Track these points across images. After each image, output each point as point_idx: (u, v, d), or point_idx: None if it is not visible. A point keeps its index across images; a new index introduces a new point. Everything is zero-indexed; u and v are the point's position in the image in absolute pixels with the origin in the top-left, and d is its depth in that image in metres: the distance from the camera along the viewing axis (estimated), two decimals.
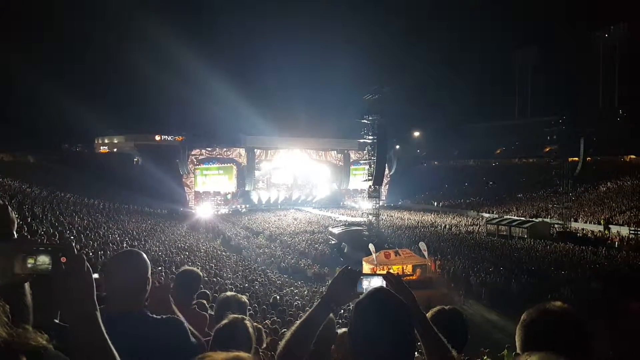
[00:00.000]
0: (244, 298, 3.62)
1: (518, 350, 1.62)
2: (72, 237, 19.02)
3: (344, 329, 2.53)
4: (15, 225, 1.52)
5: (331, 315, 2.52)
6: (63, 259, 1.21)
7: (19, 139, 51.83)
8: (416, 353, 1.71)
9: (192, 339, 2.14)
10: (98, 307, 1.26)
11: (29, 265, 1.19)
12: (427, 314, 2.25)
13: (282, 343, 1.67)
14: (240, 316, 2.37)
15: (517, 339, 1.65)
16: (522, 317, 1.67)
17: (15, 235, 1.52)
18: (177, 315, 2.49)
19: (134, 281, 2.02)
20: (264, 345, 4.63)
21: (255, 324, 4.56)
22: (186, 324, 2.16)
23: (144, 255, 2.13)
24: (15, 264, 1.18)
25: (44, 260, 1.20)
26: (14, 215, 1.51)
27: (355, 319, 1.53)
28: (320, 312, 1.71)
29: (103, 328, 1.23)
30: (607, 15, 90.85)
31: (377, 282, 1.75)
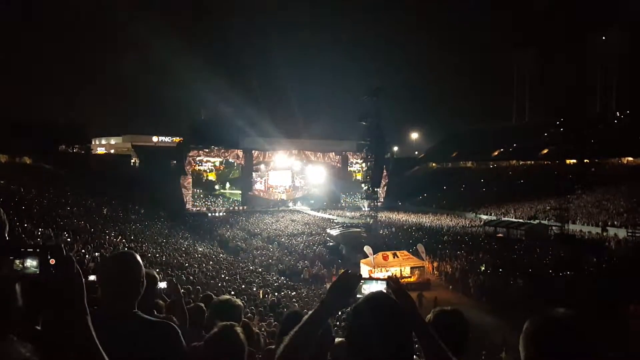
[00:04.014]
0: (238, 302, 3.55)
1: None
2: (68, 239, 18.93)
3: (340, 339, 2.48)
4: (7, 228, 1.46)
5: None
6: (52, 261, 1.16)
7: (15, 140, 51.49)
8: (415, 357, 1.67)
9: (185, 345, 2.08)
10: (88, 311, 1.20)
11: (17, 268, 1.14)
12: (428, 315, 2.22)
13: (280, 348, 1.62)
14: (229, 323, 2.30)
15: (521, 349, 1.59)
16: (525, 326, 1.60)
17: (7, 238, 1.46)
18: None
19: (127, 283, 1.99)
20: (262, 349, 4.57)
21: (253, 327, 4.50)
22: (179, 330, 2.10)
23: (138, 257, 2.09)
24: (2, 267, 1.13)
25: (31, 262, 1.15)
26: (5, 217, 1.46)
27: (352, 324, 1.52)
28: (319, 317, 1.66)
29: (94, 333, 1.18)
30: (606, 17, 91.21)
31: (378, 287, 1.72)
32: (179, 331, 2.06)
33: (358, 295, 1.68)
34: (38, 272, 1.16)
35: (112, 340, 1.27)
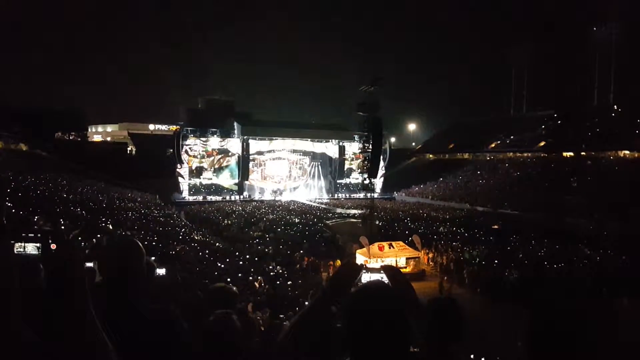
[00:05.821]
0: (234, 289, 3.57)
1: (524, 352, 1.61)
2: (62, 227, 18.91)
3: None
4: (5, 213, 1.46)
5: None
6: (53, 246, 1.19)
7: (11, 126, 51.26)
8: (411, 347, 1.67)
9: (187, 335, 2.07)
10: (90, 297, 1.19)
11: (18, 252, 1.15)
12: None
13: (280, 337, 1.64)
14: (225, 311, 2.32)
15: (519, 341, 1.61)
16: (524, 318, 1.63)
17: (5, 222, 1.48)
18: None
19: (129, 269, 1.98)
20: (257, 336, 4.58)
21: (249, 314, 4.52)
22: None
23: (139, 244, 2.08)
24: (2, 250, 1.13)
25: (33, 247, 1.16)
26: (5, 202, 1.47)
27: (350, 312, 1.50)
28: (320, 306, 1.67)
29: (96, 318, 1.18)
30: (604, 10, 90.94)
31: (378, 276, 1.71)
32: (182, 320, 2.05)
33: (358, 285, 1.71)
34: (39, 255, 1.16)
35: (113, 328, 1.27)
